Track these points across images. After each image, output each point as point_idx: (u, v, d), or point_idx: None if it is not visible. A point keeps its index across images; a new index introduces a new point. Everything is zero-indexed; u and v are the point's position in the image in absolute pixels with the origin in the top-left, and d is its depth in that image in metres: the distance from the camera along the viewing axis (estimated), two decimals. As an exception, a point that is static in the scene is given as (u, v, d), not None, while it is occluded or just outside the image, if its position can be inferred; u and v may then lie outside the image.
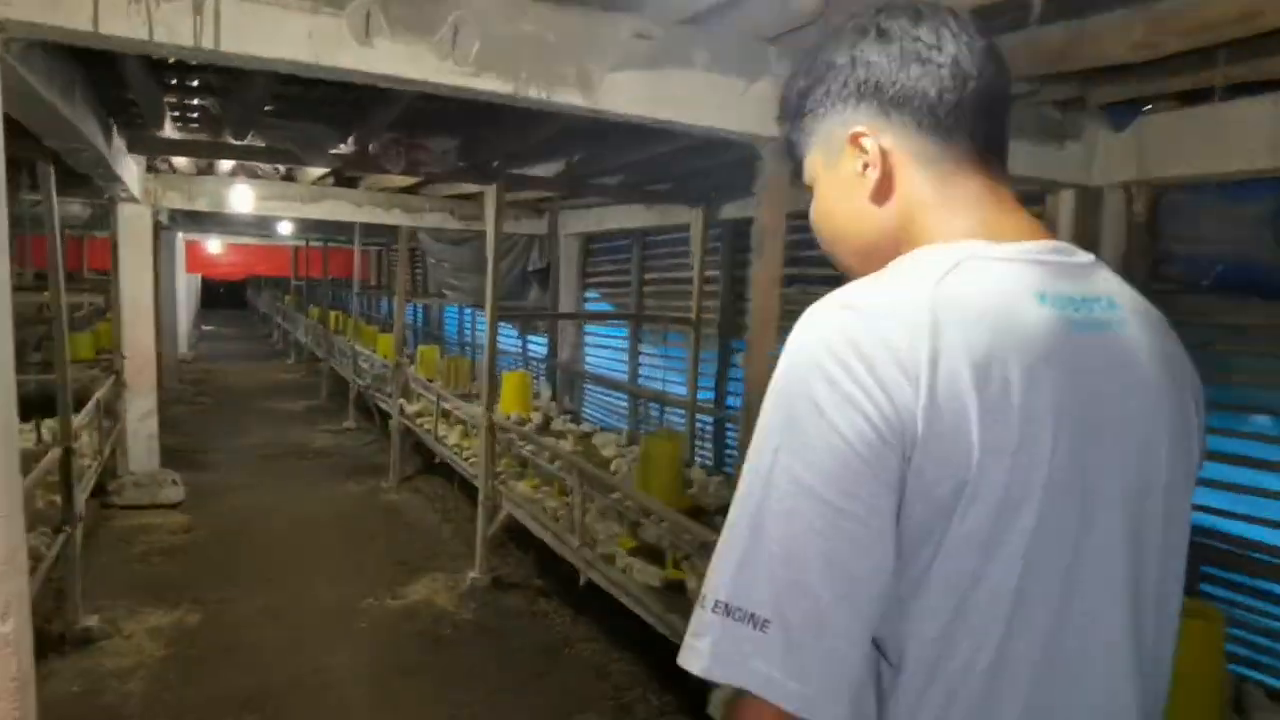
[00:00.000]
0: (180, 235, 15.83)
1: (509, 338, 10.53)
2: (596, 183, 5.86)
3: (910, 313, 0.77)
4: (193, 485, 7.63)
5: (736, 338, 6.01)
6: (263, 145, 4.76)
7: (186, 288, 19.55)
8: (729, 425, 6.15)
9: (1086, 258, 0.88)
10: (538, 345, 9.63)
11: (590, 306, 8.51)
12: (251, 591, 5.36)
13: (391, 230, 12.83)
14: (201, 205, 7.14)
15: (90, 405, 6.05)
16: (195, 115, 4.72)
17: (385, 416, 9.58)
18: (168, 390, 12.22)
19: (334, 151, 4.86)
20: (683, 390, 6.85)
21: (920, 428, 0.74)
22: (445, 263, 8.42)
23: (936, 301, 0.77)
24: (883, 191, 0.92)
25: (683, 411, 6.47)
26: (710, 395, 6.24)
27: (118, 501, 6.89)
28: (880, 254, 0.91)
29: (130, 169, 5.75)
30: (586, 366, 8.52)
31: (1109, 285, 0.88)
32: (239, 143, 4.72)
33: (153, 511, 6.90)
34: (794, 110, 1.00)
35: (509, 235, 8.50)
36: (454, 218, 8.05)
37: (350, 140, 4.70)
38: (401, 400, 7.96)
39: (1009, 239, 0.85)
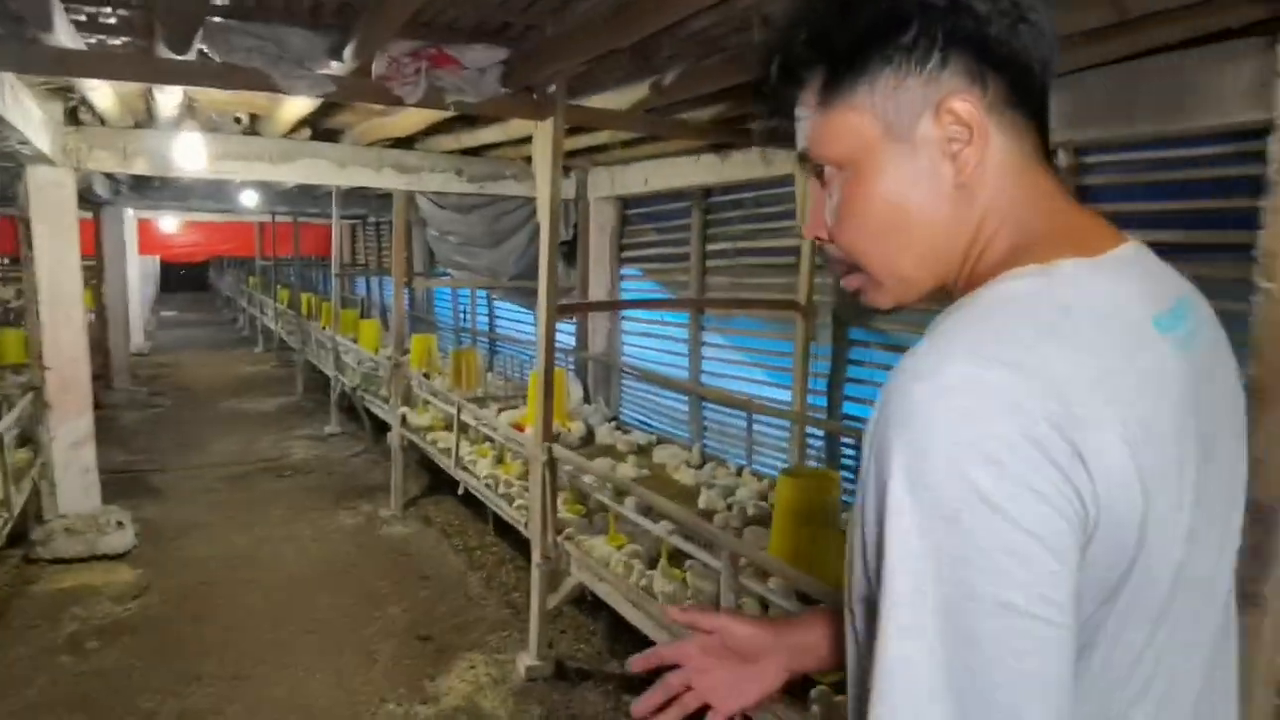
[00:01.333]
0: (131, 213, 14.03)
1: (518, 321, 8.98)
2: (688, 117, 4.30)
3: (1064, 366, 0.63)
4: (145, 523, 6.05)
5: (861, 325, 4.54)
6: (216, 62, 3.17)
7: (141, 272, 17.73)
8: (845, 442, 4.69)
9: (1152, 257, 0.76)
10: (561, 333, 8.07)
11: (630, 286, 6.98)
12: (224, 698, 3.85)
13: (372, 201, 11.21)
14: (140, 167, 5.50)
15: (-8, 438, 4.47)
16: (110, 14, 3.12)
17: (377, 421, 8.03)
18: (118, 393, 10.58)
19: (322, 72, 3.29)
20: (768, 393, 5.38)
21: (1094, 509, 0.62)
22: (451, 235, 6.85)
23: (1077, 352, 0.64)
24: (974, 179, 0.74)
25: (784, 424, 4.99)
26: (821, 401, 4.77)
27: (44, 555, 5.31)
28: (943, 258, 0.76)
29: (28, 112, 4.12)
30: (626, 359, 7.01)
31: (1175, 282, 0.77)
32: (179, 58, 3.13)
33: (91, 566, 5.33)
34: (837, 52, 0.74)
35: (526, 200, 6.94)
36: (461, 178, 6.47)
37: (347, 54, 3.14)
38: (404, 409, 6.41)
39: (1097, 249, 0.72)
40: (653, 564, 3.55)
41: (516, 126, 4.95)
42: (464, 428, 5.66)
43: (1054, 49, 0.74)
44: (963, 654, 0.60)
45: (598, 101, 4.07)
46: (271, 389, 12.09)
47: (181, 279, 32.73)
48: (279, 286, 15.36)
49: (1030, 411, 0.61)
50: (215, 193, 10.59)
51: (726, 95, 3.86)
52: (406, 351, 7.02)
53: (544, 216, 3.79)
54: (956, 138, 0.73)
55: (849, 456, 4.72)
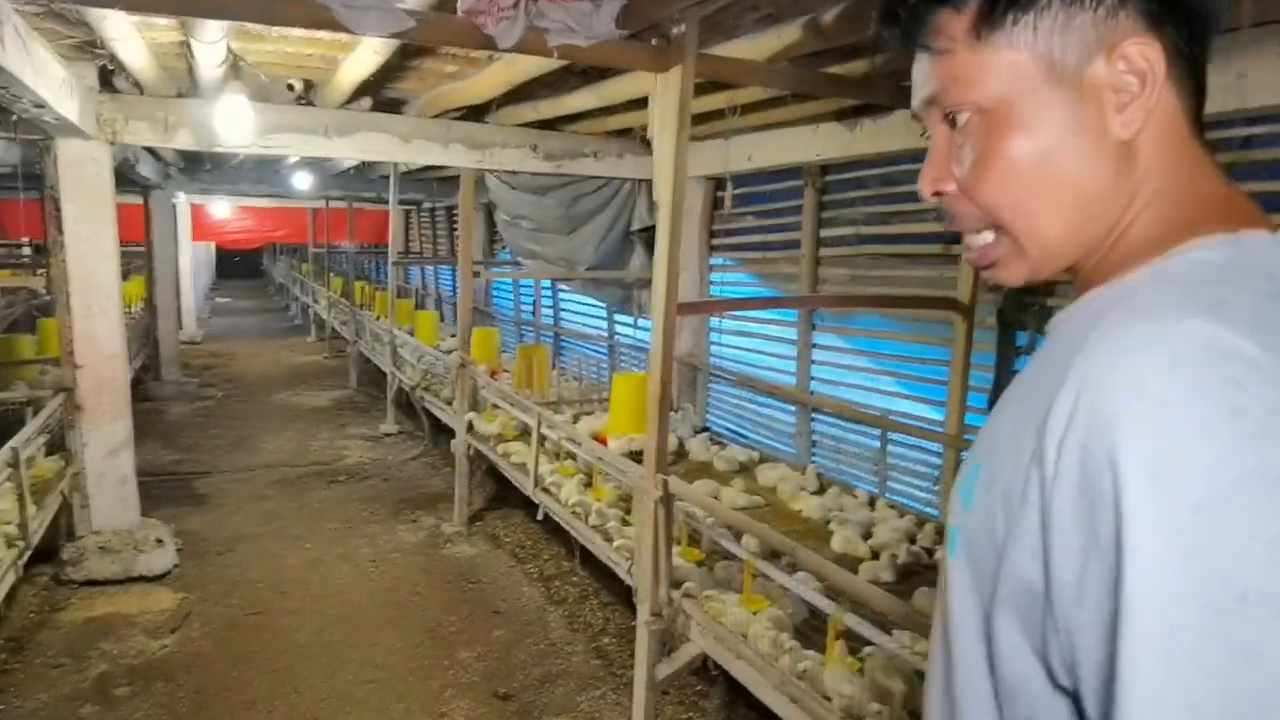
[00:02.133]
0: (183, 197, 13.64)
1: (585, 314, 8.27)
2: (842, 71, 3.49)
3: None
4: (188, 536, 5.47)
5: (1033, 328, 3.72)
6: (262, -7, 2.48)
7: (195, 259, 17.42)
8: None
9: None
10: (628, 328, 7.37)
11: (723, 278, 6.22)
12: (268, 776, 3.19)
13: (432, 185, 10.58)
14: (183, 140, 4.87)
15: (8, 446, 3.87)
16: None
17: (436, 422, 7.39)
18: (166, 385, 10.11)
19: (400, 6, 2.57)
20: (900, 406, 4.58)
21: None
22: (523, 220, 6.14)
23: None
24: (1136, 135, 0.64)
25: (931, 446, 4.20)
26: (978, 420, 3.96)
27: (75, 576, 4.74)
28: (1094, 226, 0.66)
29: (42, 66, 3.48)
30: (717, 361, 6.26)
31: None
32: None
33: (128, 590, 4.75)
34: None
35: (605, 181, 6.21)
36: (537, 156, 5.75)
37: (427, -19, 2.41)
38: (471, 415, 5.73)
39: (1257, 225, 0.63)
40: (797, 633, 2.80)
41: (613, 89, 4.21)
42: (541, 439, 4.95)
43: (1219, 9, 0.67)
44: (1239, 675, 0.47)
45: (722, 53, 3.30)
46: (325, 381, 11.56)
47: (236, 265, 32.76)
48: (332, 275, 14.88)
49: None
50: (268, 175, 10.05)
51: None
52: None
53: (664, 195, 3.05)
54: (1126, 88, 0.64)
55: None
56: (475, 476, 6.02)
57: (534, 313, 9.39)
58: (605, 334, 7.96)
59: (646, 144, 6.11)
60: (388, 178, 10.52)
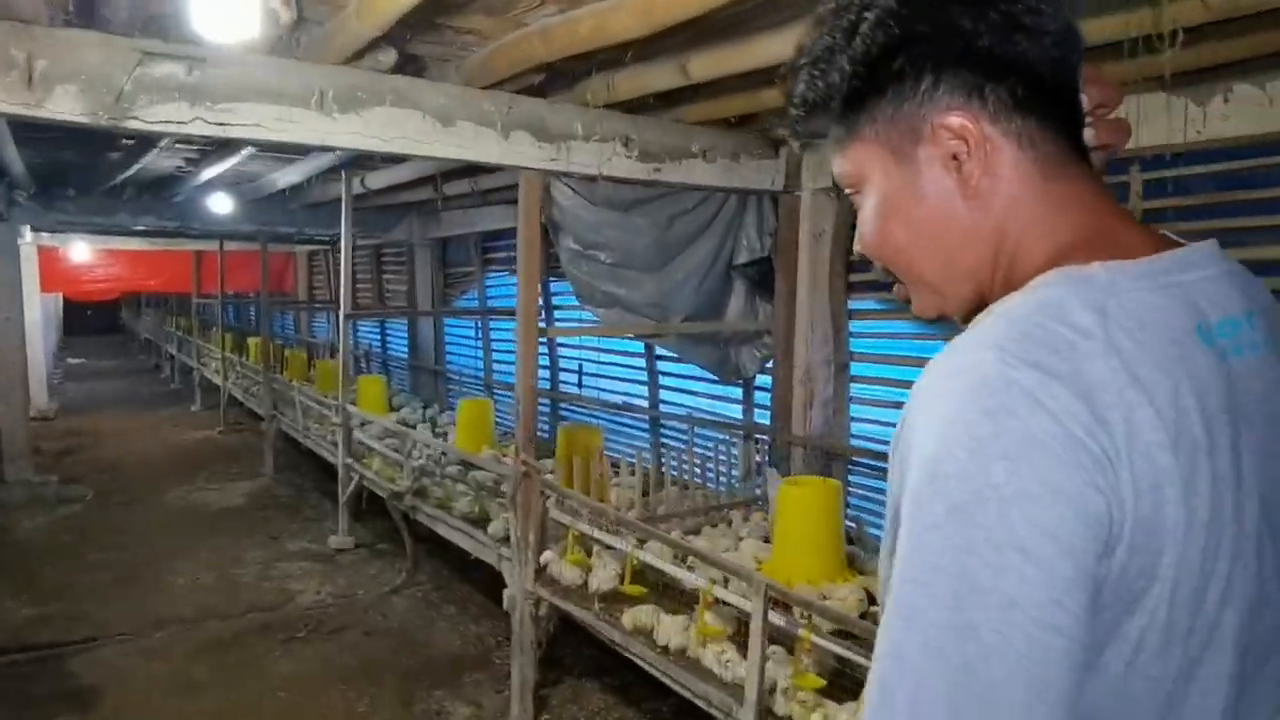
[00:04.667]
0: (28, 237, 10.87)
1: (603, 372, 6.30)
2: None
3: (1095, 370, 0.63)
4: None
5: None
6: None
7: (44, 314, 14.32)
8: None
9: (1218, 264, 0.73)
10: (682, 395, 5.46)
11: (864, 326, 4.41)
12: None
13: (374, 214, 8.40)
14: (64, 106, 2.69)
15: None
16: None
17: (418, 530, 5.25)
18: (13, 487, 7.46)
19: None
20: None
21: (1123, 514, 0.61)
22: (600, 250, 4.12)
23: (1109, 356, 0.63)
24: (983, 188, 0.74)
25: None
26: None
27: None
28: (967, 267, 0.77)
29: None
30: (860, 443, 4.43)
31: (1249, 294, 0.74)
32: None
33: None
34: (834, 93, 0.77)
35: (706, 194, 4.33)
36: (629, 153, 3.82)
37: None
38: (549, 554, 3.66)
39: (1134, 253, 0.70)
40: None
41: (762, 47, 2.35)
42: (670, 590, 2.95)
43: (1068, 48, 0.73)
44: (963, 648, 0.59)
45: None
46: (230, 468, 9.06)
47: (87, 319, 28.74)
48: (223, 330, 12.18)
49: (1055, 412, 0.60)
50: (158, 203, 7.66)
51: None
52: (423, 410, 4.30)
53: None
54: (957, 152, 0.73)
55: None
56: (539, 646, 3.91)
57: (552, 373, 7.24)
58: (640, 403, 6.01)
59: (773, 143, 4.27)
60: (322, 206, 8.33)
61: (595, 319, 5.46)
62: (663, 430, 6.06)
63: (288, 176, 6.00)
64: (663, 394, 6.09)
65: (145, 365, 20.06)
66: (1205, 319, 0.69)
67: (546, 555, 3.66)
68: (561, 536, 3.79)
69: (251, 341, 12.21)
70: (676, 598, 3.39)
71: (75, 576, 5.66)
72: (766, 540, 4.12)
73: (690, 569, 3.27)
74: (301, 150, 3.73)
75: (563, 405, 7.17)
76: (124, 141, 5.43)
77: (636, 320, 4.18)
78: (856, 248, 0.85)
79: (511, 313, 7.31)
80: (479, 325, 8.21)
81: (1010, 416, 0.60)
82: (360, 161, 6.12)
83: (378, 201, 7.90)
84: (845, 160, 0.80)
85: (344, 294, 6.16)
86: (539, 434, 7.09)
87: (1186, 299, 0.69)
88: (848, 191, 0.83)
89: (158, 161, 6.09)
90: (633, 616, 3.20)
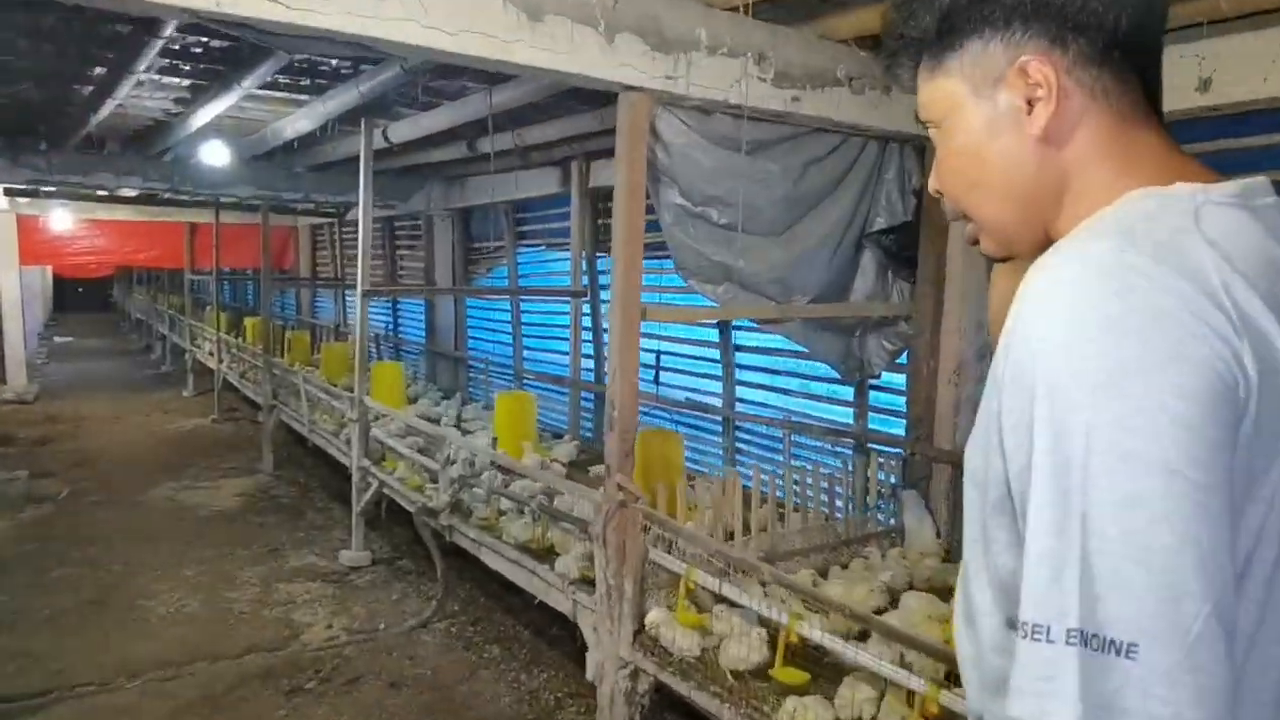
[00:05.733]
0: (4, 201, 9.90)
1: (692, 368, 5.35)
2: None
3: (1201, 257, 0.65)
4: None
5: None
6: None
7: (27, 288, 13.26)
8: None
9: (1273, 195, 0.75)
10: (811, 393, 4.52)
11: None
12: None
13: (402, 182, 7.40)
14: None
15: None
16: None
17: (449, 551, 4.32)
18: (-27, 485, 6.48)
19: None
20: None
21: (1248, 388, 0.62)
22: (713, 206, 3.13)
23: (1213, 247, 0.66)
24: (1054, 132, 0.78)
25: None
26: None
27: None
28: (1036, 206, 0.81)
29: None
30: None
31: None
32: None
33: None
34: (932, 26, 0.83)
35: (843, 137, 3.35)
36: (762, 73, 2.85)
37: None
38: (658, 617, 2.70)
39: (1211, 181, 0.74)
40: None
41: None
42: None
43: (1149, 6, 0.77)
44: (1131, 517, 0.59)
45: None
46: (223, 461, 8.10)
47: (79, 296, 27.74)
48: (219, 310, 11.16)
49: (1177, 289, 0.62)
50: (141, 162, 6.67)
51: None
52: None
53: None
54: (1034, 96, 0.77)
55: None
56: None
57: (607, 361, 6.29)
58: (705, 401, 5.06)
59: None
60: (331, 168, 7.34)
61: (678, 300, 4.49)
62: (738, 436, 5.12)
63: (297, 124, 5.00)
64: (740, 391, 5.14)
65: (136, 346, 19.04)
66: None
67: (654, 615, 2.69)
68: (666, 585, 2.84)
69: (249, 322, 11.25)
70: (836, 678, 2.45)
71: (32, 600, 4.70)
72: (912, 585, 3.20)
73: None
74: (322, 42, 2.75)
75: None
76: (94, 73, 4.44)
77: (752, 300, 3.21)
78: (930, 189, 0.90)
79: (557, 293, 6.38)
80: (511, 306, 7.24)
81: (1135, 294, 0.63)
82: (384, 107, 5.14)
83: (395, 163, 6.93)
84: (930, 91, 0.84)
85: (362, 267, 5.18)
86: (581, 433, 6.20)
87: (1263, 219, 0.72)
88: (927, 126, 0.87)
89: (140, 102, 5.09)
90: (796, 715, 2.25)
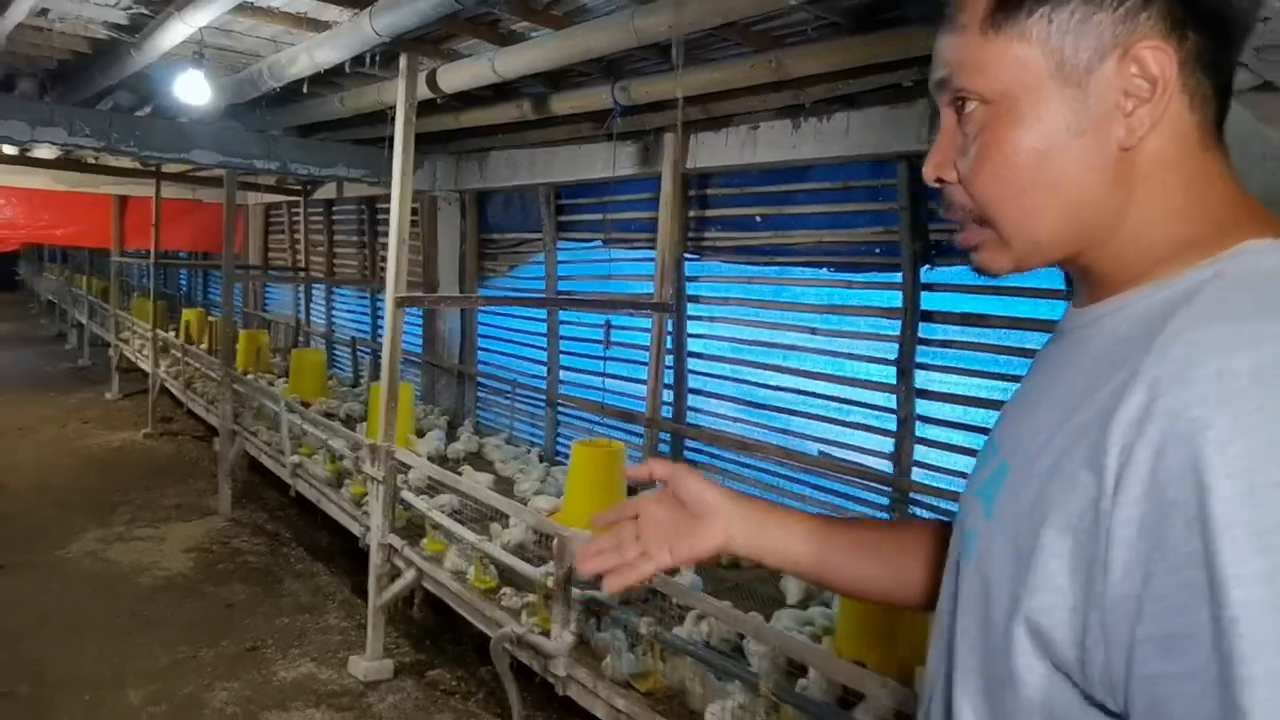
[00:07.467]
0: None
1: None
2: None
3: None
4: None
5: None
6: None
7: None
8: None
9: None
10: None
11: None
12: None
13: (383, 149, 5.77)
14: None
15: None
16: None
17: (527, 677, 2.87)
18: None
19: None
20: None
21: None
22: None
23: None
24: (1138, 139, 0.61)
25: None
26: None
27: None
28: (1084, 230, 0.64)
29: None
30: None
31: None
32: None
33: None
34: None
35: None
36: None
37: None
38: None
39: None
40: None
41: None
42: None
43: (1257, 7, 0.66)
44: None
45: None
46: (164, 494, 6.44)
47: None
48: (154, 300, 9.29)
49: None
50: (76, 109, 4.98)
51: None
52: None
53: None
54: (1135, 92, 0.61)
55: None
56: None
57: (676, 394, 4.83)
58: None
59: None
60: (315, 130, 5.75)
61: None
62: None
63: (321, 52, 3.42)
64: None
65: (47, 332, 16.85)
66: None
67: None
68: None
69: (189, 315, 9.48)
70: None
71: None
72: None
73: None
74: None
75: (690, 442, 4.84)
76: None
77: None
78: (934, 174, 0.69)
79: (641, 306, 4.87)
80: (548, 316, 5.76)
81: None
82: (427, 40, 3.63)
83: (387, 129, 5.37)
84: (988, 55, 0.63)
85: (396, 266, 3.65)
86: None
87: None
88: (958, 94, 0.66)
89: (76, 8, 3.46)
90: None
